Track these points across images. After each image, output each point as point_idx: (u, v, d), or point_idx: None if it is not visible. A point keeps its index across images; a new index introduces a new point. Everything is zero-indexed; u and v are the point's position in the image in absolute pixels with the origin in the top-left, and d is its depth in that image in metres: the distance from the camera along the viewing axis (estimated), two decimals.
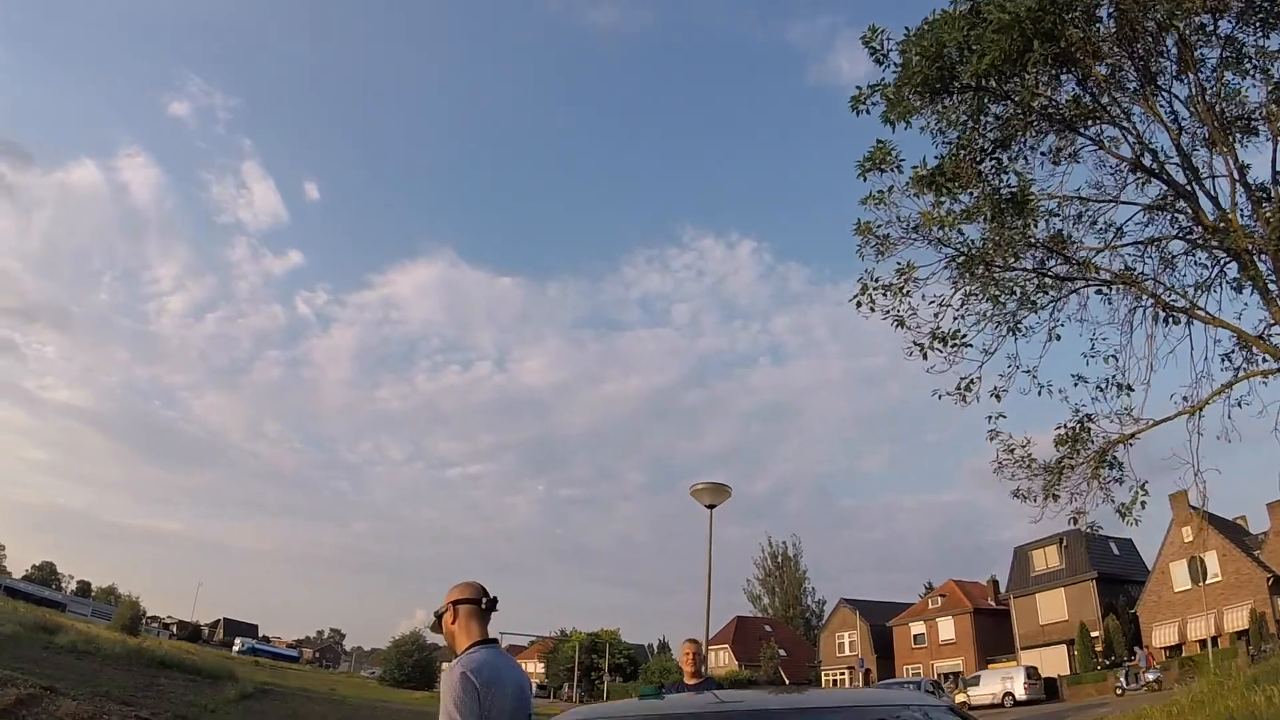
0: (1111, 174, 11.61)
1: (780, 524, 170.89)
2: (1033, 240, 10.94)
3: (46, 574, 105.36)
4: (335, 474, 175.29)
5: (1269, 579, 37.66)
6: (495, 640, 3.43)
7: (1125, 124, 11.04)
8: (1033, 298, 11.29)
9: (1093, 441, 11.20)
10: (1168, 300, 10.95)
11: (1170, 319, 10.92)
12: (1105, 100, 10.98)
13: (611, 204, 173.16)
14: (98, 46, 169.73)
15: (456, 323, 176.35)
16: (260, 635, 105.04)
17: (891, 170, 10.88)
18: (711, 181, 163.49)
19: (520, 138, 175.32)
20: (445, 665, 3.30)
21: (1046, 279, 11.20)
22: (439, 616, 3.52)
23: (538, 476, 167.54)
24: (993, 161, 10.93)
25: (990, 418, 11.51)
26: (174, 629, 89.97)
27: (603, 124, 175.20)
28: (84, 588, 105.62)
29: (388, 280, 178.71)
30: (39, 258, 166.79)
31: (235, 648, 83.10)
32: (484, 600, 3.47)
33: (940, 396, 11.45)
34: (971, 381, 11.34)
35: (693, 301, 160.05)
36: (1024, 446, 11.62)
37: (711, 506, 13.34)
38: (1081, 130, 11.14)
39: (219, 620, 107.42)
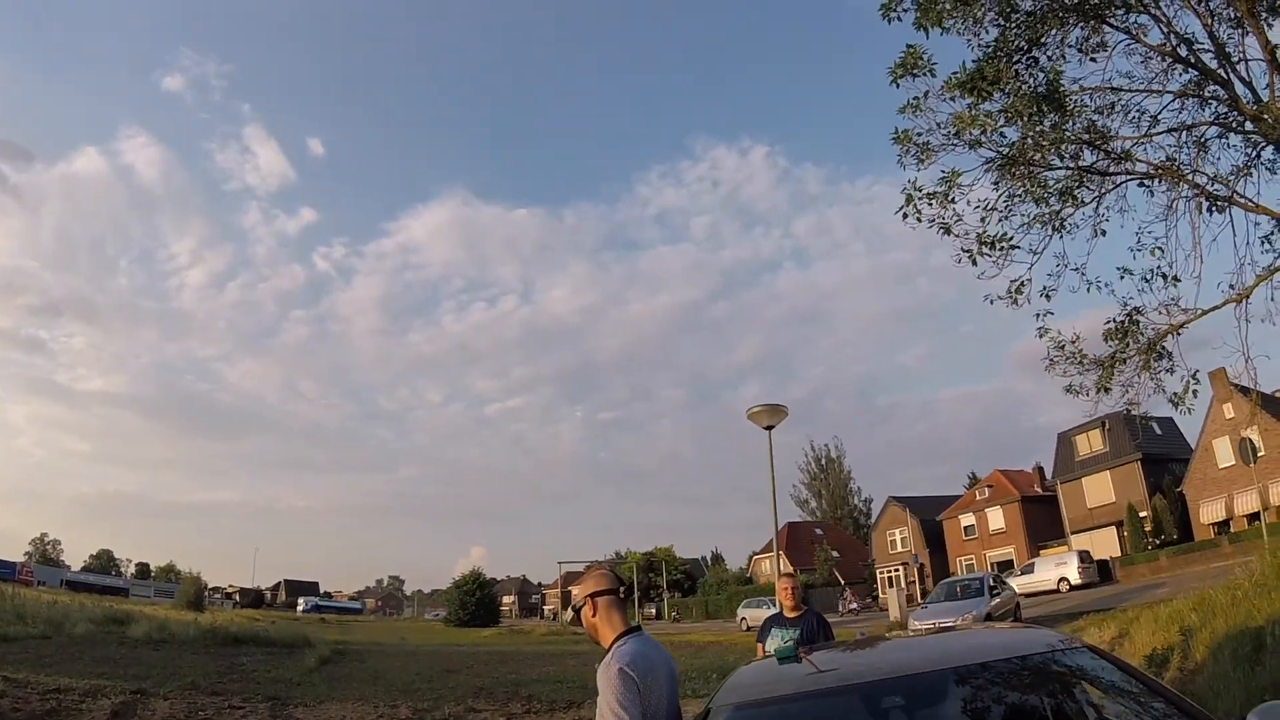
0: (1143, 62, 11.19)
1: (821, 427, 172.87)
2: (1069, 135, 10.57)
3: (105, 561, 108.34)
4: (376, 424, 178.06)
5: None
6: (639, 627, 3.42)
7: (1154, 10, 10.55)
8: (1075, 193, 11.02)
9: (1142, 334, 11.08)
10: (1209, 189, 10.64)
11: (1213, 208, 10.60)
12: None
13: (618, 123, 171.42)
14: (82, 35, 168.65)
15: (477, 260, 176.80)
16: (322, 592, 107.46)
17: (924, 75, 10.59)
18: (718, 90, 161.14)
19: (519, 66, 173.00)
20: (596, 664, 3.33)
21: (1087, 174, 10.87)
22: (577, 611, 3.51)
23: (576, 403, 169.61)
24: (1028, 60, 10.51)
25: (1038, 315, 11.42)
26: (237, 597, 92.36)
27: (602, 42, 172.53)
28: (143, 570, 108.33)
29: (403, 226, 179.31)
30: (55, 252, 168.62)
31: (300, 607, 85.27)
32: (620, 590, 3.51)
33: (992, 301, 11.36)
34: (1022, 283, 11.21)
35: (710, 213, 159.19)
36: (1074, 342, 11.57)
37: (769, 428, 13.29)
38: (1110, 20, 10.63)
39: (279, 582, 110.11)
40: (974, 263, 11.03)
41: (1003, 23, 10.32)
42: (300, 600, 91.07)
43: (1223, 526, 41.17)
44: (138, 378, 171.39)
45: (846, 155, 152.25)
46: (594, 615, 3.41)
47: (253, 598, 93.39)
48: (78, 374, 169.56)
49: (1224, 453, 41.02)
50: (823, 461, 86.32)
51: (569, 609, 3.75)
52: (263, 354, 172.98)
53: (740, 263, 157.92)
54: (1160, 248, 10.80)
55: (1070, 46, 10.75)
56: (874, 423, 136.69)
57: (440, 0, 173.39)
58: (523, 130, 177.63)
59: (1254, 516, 36.97)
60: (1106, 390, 11.35)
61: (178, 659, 21.24)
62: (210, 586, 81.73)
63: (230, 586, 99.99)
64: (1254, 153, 10.71)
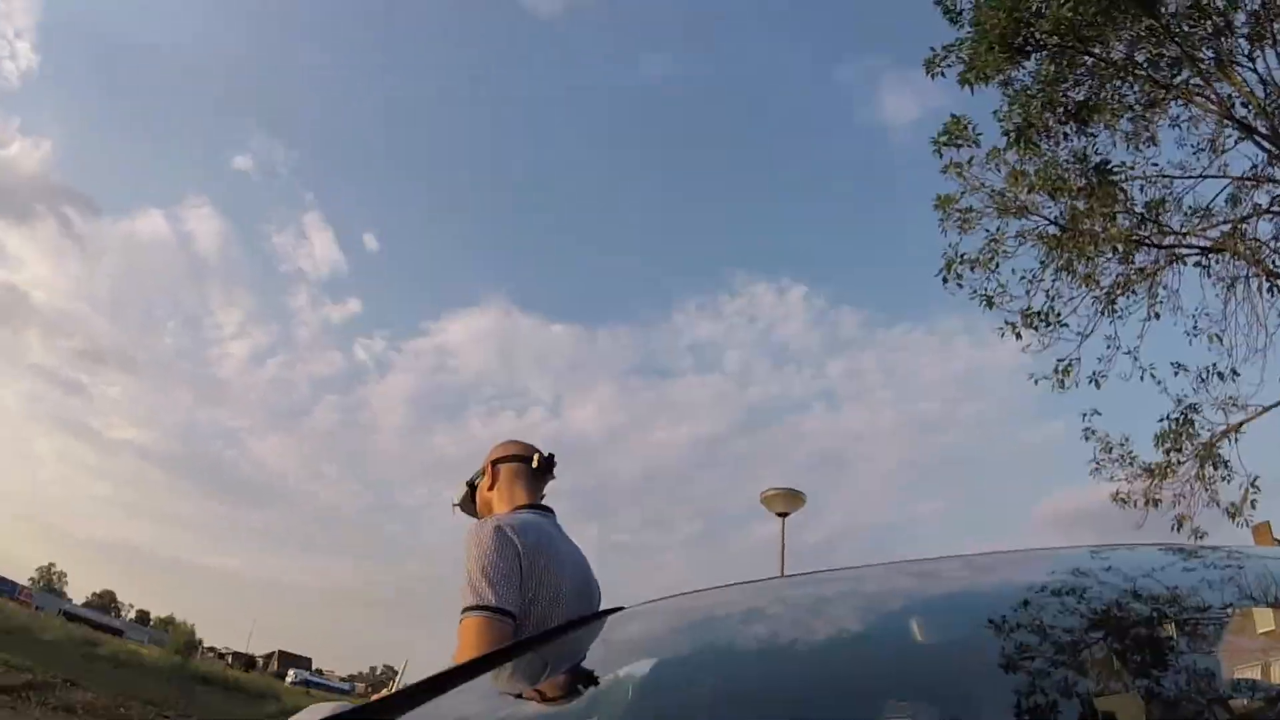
0: (1194, 153, 10.62)
1: None
2: (1129, 206, 10.01)
3: (106, 601, 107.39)
4: (390, 516, 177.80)
5: None
6: (551, 510, 2.36)
7: (1214, 80, 10.06)
8: (1129, 274, 10.37)
9: (1197, 435, 10.11)
10: (1271, 267, 9.86)
11: (1276, 289, 9.82)
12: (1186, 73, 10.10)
13: (662, 251, 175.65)
14: (167, 102, 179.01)
15: (510, 369, 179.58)
16: (314, 668, 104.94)
17: (968, 145, 10.24)
18: (762, 226, 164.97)
19: (572, 187, 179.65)
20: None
21: (1141, 245, 10.21)
22: (473, 486, 2.51)
23: (588, 522, 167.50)
24: (1077, 124, 10.05)
25: (1085, 415, 10.60)
26: (229, 659, 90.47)
27: (652, 171, 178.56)
28: (143, 616, 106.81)
29: (443, 327, 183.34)
30: (107, 302, 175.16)
31: (289, 679, 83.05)
32: (535, 458, 2.42)
33: (1037, 381, 10.65)
34: (1070, 363, 10.44)
35: (744, 348, 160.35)
36: (1123, 445, 10.61)
37: (784, 515, 12.50)
38: (1166, 84, 10.17)
39: (274, 652, 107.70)
40: (1018, 336, 10.38)
41: (1054, 84, 9.91)
42: (291, 672, 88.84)
43: None
44: (167, 435, 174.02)
45: (884, 301, 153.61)
46: (490, 488, 2.40)
47: (245, 662, 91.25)
48: (110, 421, 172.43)
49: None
50: None
51: (463, 485, 2.52)
52: (290, 432, 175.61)
53: (768, 399, 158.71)
54: (1218, 335, 10.11)
55: (1119, 128, 10.34)
56: None
57: (502, 121, 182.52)
58: (569, 249, 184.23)
59: None
60: (1156, 503, 10.28)
61: (133, 678, 20.33)
62: (206, 645, 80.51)
63: (225, 648, 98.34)
64: None
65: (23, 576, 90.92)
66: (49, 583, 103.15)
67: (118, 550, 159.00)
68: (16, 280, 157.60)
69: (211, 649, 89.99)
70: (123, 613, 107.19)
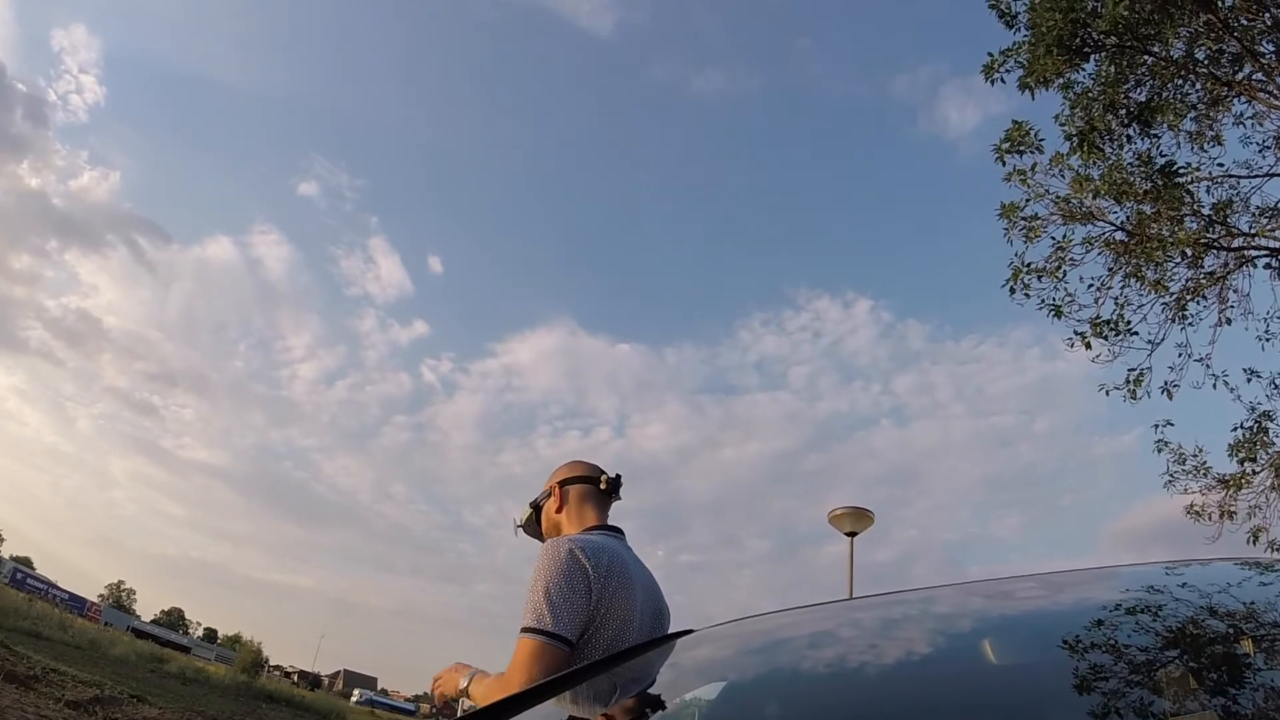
0: (1259, 151, 10.42)
1: None
2: (1196, 209, 9.74)
3: (175, 619, 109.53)
4: (459, 536, 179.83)
5: None
6: (621, 531, 2.38)
7: (1277, 74, 9.82)
8: (1199, 278, 10.13)
9: (1272, 444, 9.91)
10: None
11: None
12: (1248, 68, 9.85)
13: (725, 268, 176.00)
14: (231, 133, 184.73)
15: (576, 389, 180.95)
16: (379, 688, 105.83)
17: (1031, 151, 9.96)
18: (824, 240, 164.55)
19: (633, 206, 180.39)
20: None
21: (1210, 249, 9.92)
22: (538, 508, 2.50)
23: (657, 542, 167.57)
24: (1140, 126, 9.80)
25: (1157, 426, 10.37)
26: (295, 677, 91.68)
27: (713, 189, 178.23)
28: (210, 634, 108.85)
29: (509, 349, 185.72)
30: (178, 327, 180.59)
31: (354, 698, 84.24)
32: (602, 479, 2.44)
33: (1108, 392, 10.35)
34: (1142, 373, 10.12)
35: (810, 364, 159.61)
36: (1196, 456, 10.42)
37: (852, 534, 12.31)
38: (1228, 81, 9.91)
39: (339, 671, 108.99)
40: (1088, 346, 10.06)
41: (1115, 85, 9.69)
42: (356, 691, 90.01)
43: None
44: (239, 456, 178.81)
45: (951, 313, 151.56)
46: (558, 510, 2.41)
47: (311, 680, 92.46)
48: (183, 442, 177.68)
49: None
50: None
51: (526, 506, 2.53)
52: (360, 453, 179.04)
53: (837, 415, 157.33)
54: None
55: (1182, 129, 10.16)
56: None
57: (563, 141, 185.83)
58: (633, 268, 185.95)
59: None
60: (1231, 515, 10.14)
61: (200, 694, 20.69)
62: (272, 664, 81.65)
63: (291, 666, 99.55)
64: None
65: (92, 593, 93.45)
66: (118, 599, 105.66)
67: (188, 568, 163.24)
68: (89, 306, 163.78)
69: (277, 667, 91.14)
70: (190, 630, 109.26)
